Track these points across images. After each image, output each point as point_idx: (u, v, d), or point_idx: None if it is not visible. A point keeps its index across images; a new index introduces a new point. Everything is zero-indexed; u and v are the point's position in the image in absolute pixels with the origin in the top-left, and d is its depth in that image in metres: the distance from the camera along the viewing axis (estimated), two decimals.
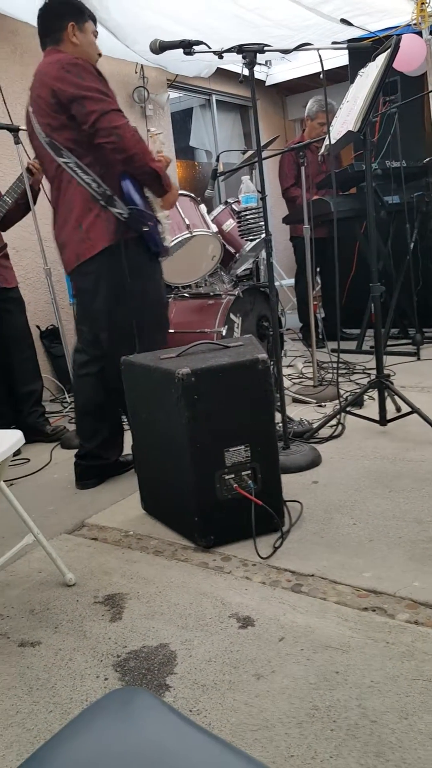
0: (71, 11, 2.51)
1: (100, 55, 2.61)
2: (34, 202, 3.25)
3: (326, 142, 2.84)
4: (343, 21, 4.78)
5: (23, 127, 3.17)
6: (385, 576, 1.76)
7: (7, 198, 3.31)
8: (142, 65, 5.56)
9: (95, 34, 2.60)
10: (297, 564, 1.88)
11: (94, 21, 2.61)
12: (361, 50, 4.32)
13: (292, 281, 6.83)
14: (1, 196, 3.36)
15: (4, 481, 1.85)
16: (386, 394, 2.92)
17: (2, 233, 3.47)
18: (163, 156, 2.67)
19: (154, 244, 2.57)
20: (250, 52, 2.41)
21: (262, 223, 2.61)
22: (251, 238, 3.97)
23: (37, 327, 4.68)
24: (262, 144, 2.74)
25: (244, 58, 2.43)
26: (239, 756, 0.65)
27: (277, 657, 1.48)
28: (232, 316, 3.73)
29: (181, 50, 2.45)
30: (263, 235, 2.64)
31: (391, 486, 2.36)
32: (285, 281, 6.93)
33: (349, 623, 1.57)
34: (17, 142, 3.15)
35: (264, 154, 3.37)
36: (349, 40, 5.15)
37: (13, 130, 3.16)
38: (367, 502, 2.25)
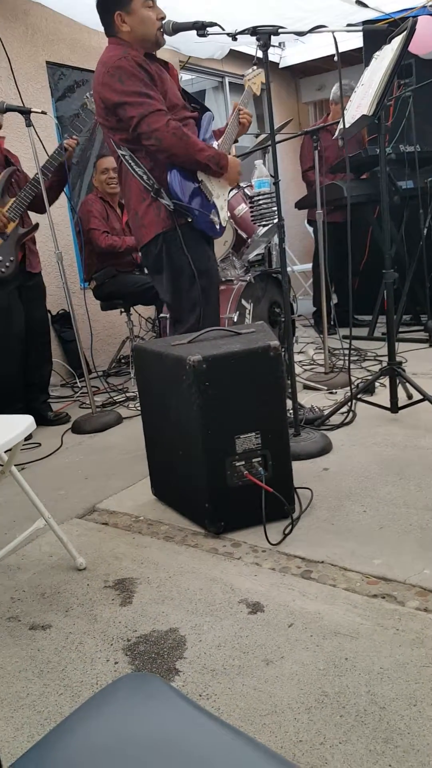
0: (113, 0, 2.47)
1: (162, 18, 2.48)
2: (67, 182, 3.25)
3: (340, 126, 2.81)
4: (359, 2, 4.71)
5: (35, 108, 3.15)
6: (395, 563, 1.75)
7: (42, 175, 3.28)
8: None
9: (146, 3, 2.46)
10: (307, 550, 1.88)
11: None
12: (376, 32, 4.25)
13: (304, 267, 6.77)
14: (28, 179, 3.35)
15: (15, 465, 1.86)
16: (398, 381, 2.90)
17: (37, 214, 3.45)
18: (246, 115, 2.71)
19: (207, 228, 2.66)
20: (264, 34, 2.38)
21: (275, 208, 2.58)
22: (264, 223, 3.93)
23: (48, 312, 4.67)
24: (275, 127, 2.71)
25: (258, 40, 2.39)
26: (247, 742, 0.66)
27: (287, 643, 1.48)
28: (243, 302, 3.71)
29: (194, 32, 2.43)
30: (276, 221, 2.61)
31: (401, 473, 2.35)
32: (297, 267, 6.88)
33: (359, 610, 1.57)
34: (28, 124, 3.08)
35: (277, 137, 3.33)
36: (364, 22, 5.08)
37: (25, 112, 3.08)
38: (378, 489, 2.24)
